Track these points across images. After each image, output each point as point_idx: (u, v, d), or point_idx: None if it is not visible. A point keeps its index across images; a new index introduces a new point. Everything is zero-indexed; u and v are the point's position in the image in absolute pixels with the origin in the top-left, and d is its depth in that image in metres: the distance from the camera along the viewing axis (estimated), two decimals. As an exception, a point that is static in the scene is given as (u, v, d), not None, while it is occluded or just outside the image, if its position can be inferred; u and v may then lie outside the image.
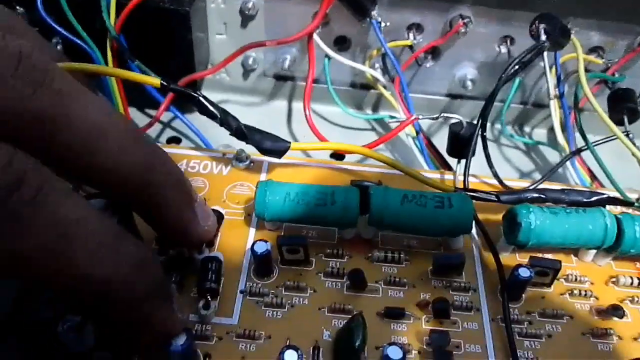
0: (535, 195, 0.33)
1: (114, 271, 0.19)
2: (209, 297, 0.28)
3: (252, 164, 0.36)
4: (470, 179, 0.36)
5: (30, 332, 0.23)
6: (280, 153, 0.34)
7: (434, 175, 0.37)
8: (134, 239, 0.20)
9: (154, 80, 0.32)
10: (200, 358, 0.27)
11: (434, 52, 0.45)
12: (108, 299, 0.19)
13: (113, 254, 0.19)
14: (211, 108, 0.32)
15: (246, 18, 0.44)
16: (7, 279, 0.19)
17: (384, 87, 0.44)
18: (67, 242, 0.18)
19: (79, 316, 0.22)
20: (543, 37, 0.39)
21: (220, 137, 0.43)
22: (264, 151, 0.34)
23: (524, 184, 0.37)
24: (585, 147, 0.38)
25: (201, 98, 0.32)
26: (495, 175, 0.37)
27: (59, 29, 0.40)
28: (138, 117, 0.46)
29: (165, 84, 0.32)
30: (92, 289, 0.19)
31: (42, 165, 0.18)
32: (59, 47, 0.41)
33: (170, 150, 0.37)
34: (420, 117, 0.37)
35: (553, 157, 0.47)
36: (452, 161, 0.41)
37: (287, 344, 0.26)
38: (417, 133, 0.41)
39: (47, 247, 0.18)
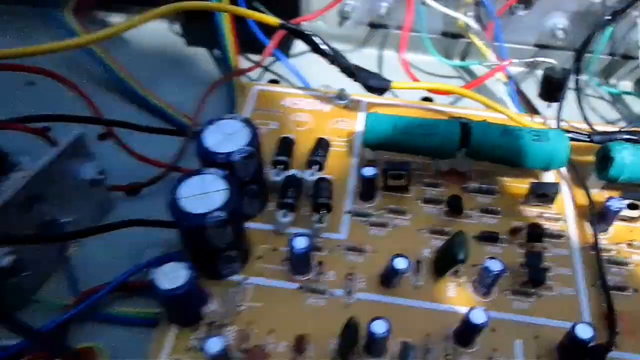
0: (627, 136, 0.35)
1: None
2: (324, 211, 0.31)
3: (351, 103, 0.39)
4: (561, 123, 0.37)
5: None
6: (382, 90, 0.37)
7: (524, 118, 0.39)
8: None
9: (274, 20, 0.35)
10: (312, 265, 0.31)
11: (527, 1, 0.46)
12: None
13: None
14: (324, 47, 0.35)
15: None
16: None
17: (476, 34, 0.46)
18: None
19: (224, 212, 0.26)
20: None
21: (313, 80, 0.46)
22: (368, 88, 0.37)
23: (612, 129, 0.38)
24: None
25: (315, 37, 0.35)
26: (585, 119, 0.38)
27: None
28: (240, 59, 0.49)
29: (284, 23, 0.35)
30: None
31: None
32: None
33: (277, 88, 0.41)
34: (515, 61, 0.38)
35: (638, 108, 0.48)
36: (540, 108, 0.42)
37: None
38: (509, 78, 0.43)
39: None
